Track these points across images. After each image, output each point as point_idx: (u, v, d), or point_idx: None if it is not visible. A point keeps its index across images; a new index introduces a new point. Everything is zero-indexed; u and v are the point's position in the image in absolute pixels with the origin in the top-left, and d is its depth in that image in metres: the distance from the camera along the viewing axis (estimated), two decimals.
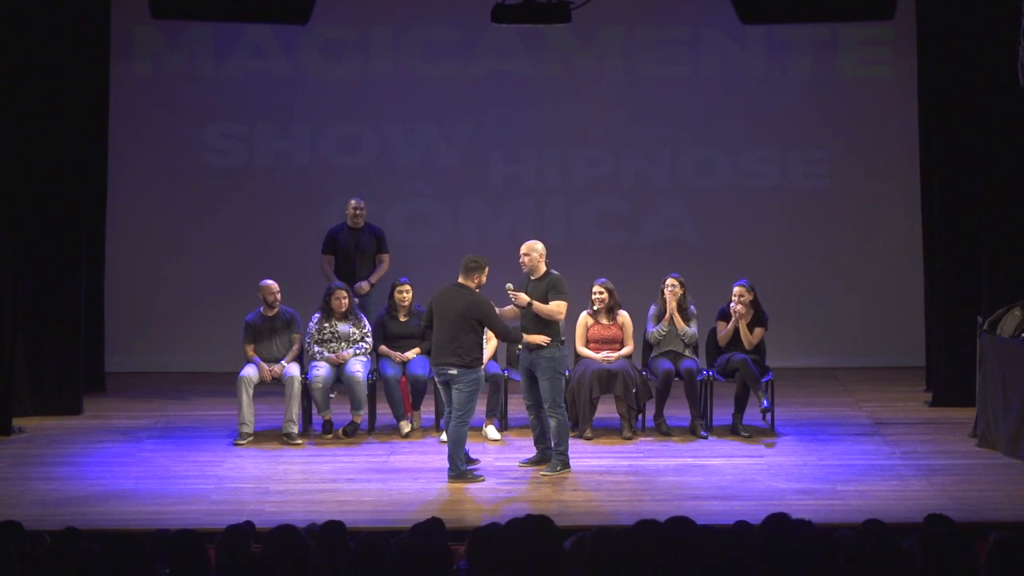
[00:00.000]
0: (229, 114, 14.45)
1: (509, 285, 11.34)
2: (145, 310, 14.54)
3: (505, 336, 11.36)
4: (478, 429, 12.19)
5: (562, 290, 11.28)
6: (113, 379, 13.89)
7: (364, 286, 13.33)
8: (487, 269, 11.19)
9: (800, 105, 14.56)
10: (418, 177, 14.57)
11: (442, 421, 12.19)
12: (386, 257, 13.53)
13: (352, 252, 13.41)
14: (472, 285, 11.11)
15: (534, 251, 11.38)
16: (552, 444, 11.31)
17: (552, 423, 11.27)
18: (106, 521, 9.97)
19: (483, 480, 11.08)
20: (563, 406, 11.32)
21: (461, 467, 11.09)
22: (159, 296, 14.57)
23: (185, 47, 14.27)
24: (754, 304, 12.48)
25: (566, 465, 11.27)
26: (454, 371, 11.02)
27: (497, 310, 11.54)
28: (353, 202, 13.46)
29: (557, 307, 11.24)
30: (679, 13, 14.44)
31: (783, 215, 14.67)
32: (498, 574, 6.07)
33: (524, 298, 11.27)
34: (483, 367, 11.22)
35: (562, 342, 11.34)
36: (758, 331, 12.42)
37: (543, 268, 11.38)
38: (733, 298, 12.42)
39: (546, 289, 11.28)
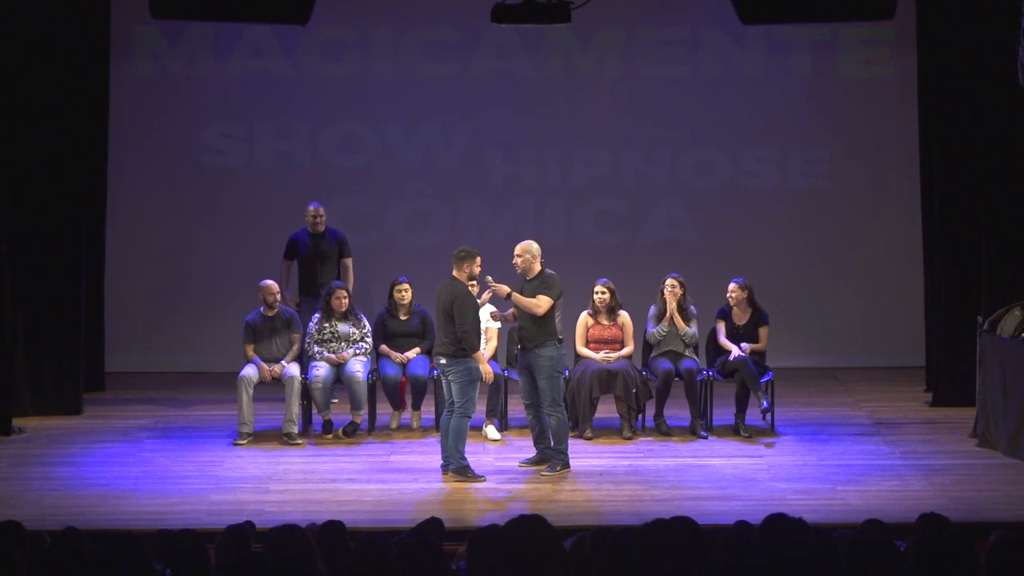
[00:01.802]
0: (229, 114, 14.45)
1: (489, 277, 11.36)
2: (145, 310, 14.55)
3: (461, 336, 11.08)
4: (478, 429, 12.20)
5: (550, 286, 11.28)
6: (113, 379, 13.90)
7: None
8: (479, 259, 11.23)
9: (800, 105, 14.56)
10: (418, 177, 14.57)
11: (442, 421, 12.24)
12: (349, 261, 13.28)
13: (314, 258, 13.20)
14: (464, 276, 11.19)
15: (527, 252, 11.36)
16: (552, 443, 11.31)
17: (552, 422, 11.28)
18: (106, 521, 9.97)
19: (484, 480, 11.09)
20: (562, 405, 11.32)
21: (462, 461, 11.11)
22: (159, 296, 14.57)
23: (185, 47, 14.27)
24: (752, 303, 12.48)
25: (566, 464, 11.27)
26: (443, 360, 11.14)
27: (494, 312, 11.57)
28: (311, 208, 13.21)
29: (537, 300, 11.22)
30: (679, 13, 14.43)
31: (783, 215, 14.67)
32: (497, 574, 6.07)
33: (504, 288, 11.30)
34: (477, 358, 11.20)
35: (559, 341, 11.34)
36: (762, 330, 12.40)
37: (537, 268, 11.38)
38: (727, 294, 12.45)
39: (536, 288, 11.31)
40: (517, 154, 14.61)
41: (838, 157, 14.61)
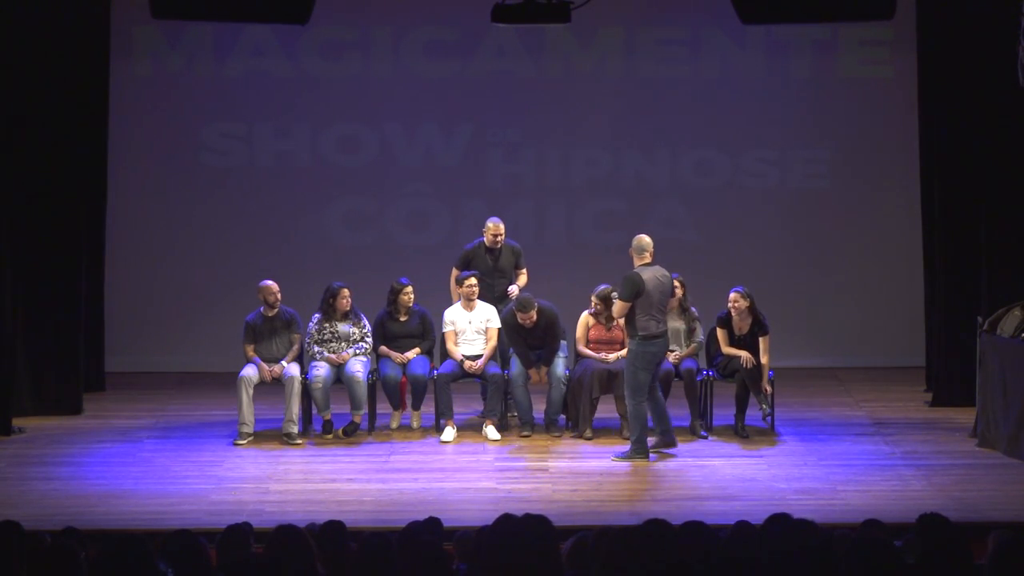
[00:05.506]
0: (229, 114, 14.45)
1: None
2: (145, 310, 14.54)
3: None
4: (478, 429, 12.22)
5: (622, 286, 11.56)
6: (113, 379, 13.90)
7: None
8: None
9: (800, 105, 14.55)
10: (418, 177, 14.56)
11: (442, 421, 12.24)
12: (522, 272, 12.80)
13: (491, 271, 12.72)
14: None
15: (634, 244, 11.68)
16: (670, 425, 11.74)
17: (628, 410, 11.66)
18: (106, 521, 9.98)
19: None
20: (638, 398, 11.54)
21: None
22: (159, 296, 14.57)
23: (185, 47, 14.27)
24: (752, 311, 12.37)
25: (638, 453, 11.55)
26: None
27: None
28: (493, 224, 12.66)
29: (616, 308, 11.70)
30: (679, 13, 14.43)
31: (783, 215, 14.67)
32: (495, 574, 6.07)
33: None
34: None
35: (644, 337, 11.51)
36: (763, 340, 12.28)
37: (644, 261, 11.64)
38: (728, 303, 12.36)
39: (618, 285, 11.74)
40: (517, 154, 14.61)
41: (838, 157, 14.60)
